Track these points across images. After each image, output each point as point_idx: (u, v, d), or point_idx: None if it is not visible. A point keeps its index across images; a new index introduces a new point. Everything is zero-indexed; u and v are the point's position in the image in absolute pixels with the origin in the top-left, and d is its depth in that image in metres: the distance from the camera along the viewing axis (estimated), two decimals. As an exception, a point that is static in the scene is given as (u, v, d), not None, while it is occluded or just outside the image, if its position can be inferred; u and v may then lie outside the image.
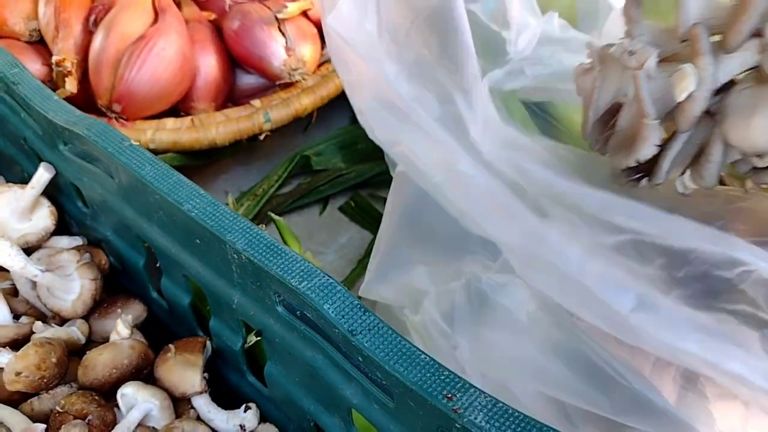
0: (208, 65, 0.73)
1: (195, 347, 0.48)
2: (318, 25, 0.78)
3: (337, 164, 0.77)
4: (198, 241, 0.44)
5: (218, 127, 0.70)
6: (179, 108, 0.73)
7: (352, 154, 0.78)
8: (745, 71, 0.37)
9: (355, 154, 0.78)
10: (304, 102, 0.72)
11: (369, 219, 0.72)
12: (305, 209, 0.75)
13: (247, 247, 0.40)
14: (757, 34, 0.36)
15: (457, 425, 0.32)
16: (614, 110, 0.43)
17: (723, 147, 0.38)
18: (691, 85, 0.37)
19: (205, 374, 0.47)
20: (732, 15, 0.36)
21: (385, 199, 0.73)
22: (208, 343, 0.49)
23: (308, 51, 0.75)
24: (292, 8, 0.74)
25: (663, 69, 0.39)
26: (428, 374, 0.34)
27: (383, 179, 0.76)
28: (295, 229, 0.66)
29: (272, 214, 0.65)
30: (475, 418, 0.31)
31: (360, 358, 0.36)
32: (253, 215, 0.70)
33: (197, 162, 0.73)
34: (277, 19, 0.73)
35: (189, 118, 0.70)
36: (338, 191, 0.75)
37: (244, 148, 0.77)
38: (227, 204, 0.72)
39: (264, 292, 0.41)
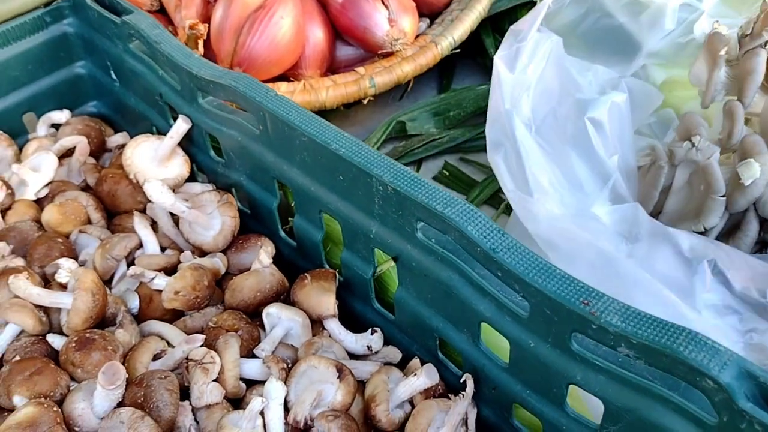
0: (316, 35, 0.79)
1: (328, 276, 0.53)
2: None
3: (429, 130, 0.82)
4: (341, 177, 0.49)
5: (328, 91, 0.75)
6: (288, 74, 0.79)
7: (443, 121, 0.82)
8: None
9: (447, 120, 0.83)
10: (405, 69, 0.78)
11: (461, 185, 0.77)
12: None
13: (393, 179, 0.45)
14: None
15: (593, 326, 0.37)
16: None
17: (758, 224, 0.53)
18: (757, 173, 0.52)
19: (336, 301, 0.53)
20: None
21: (474, 163, 0.78)
22: (337, 274, 0.55)
23: (408, 23, 0.80)
24: (395, -18, 0.79)
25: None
26: (565, 285, 0.38)
27: (472, 145, 0.81)
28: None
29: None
30: (611, 319, 0.36)
31: (500, 273, 0.41)
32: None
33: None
34: (380, -8, 0.79)
35: (301, 82, 0.76)
36: (431, 154, 0.81)
37: (342, 114, 0.83)
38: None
39: (405, 220, 0.46)
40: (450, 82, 0.90)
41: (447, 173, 0.79)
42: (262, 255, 0.55)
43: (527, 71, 0.61)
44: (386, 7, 0.79)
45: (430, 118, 0.83)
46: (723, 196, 0.54)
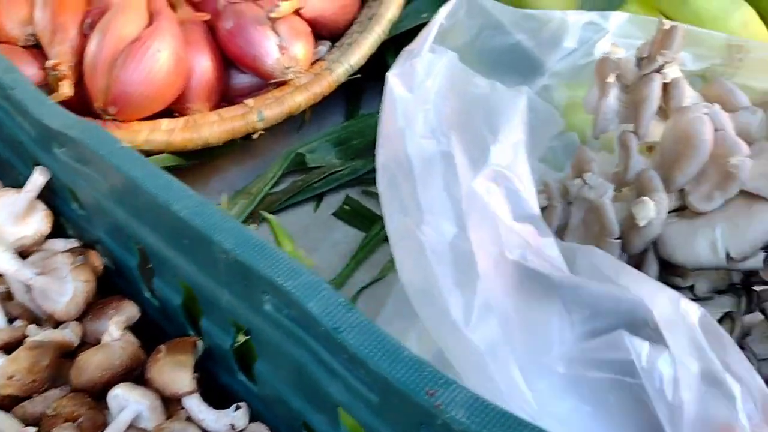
0: (202, 66, 0.74)
1: (186, 347, 0.48)
2: (311, 23, 0.78)
3: (331, 161, 0.77)
4: (186, 241, 0.44)
5: (212, 126, 0.70)
6: (174, 109, 0.74)
7: (346, 151, 0.78)
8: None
9: (350, 150, 0.78)
10: (297, 100, 0.73)
11: (364, 221, 0.72)
12: (299, 207, 0.75)
13: (235, 246, 0.40)
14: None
15: (438, 421, 0.32)
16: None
17: (657, 266, 0.50)
18: (652, 213, 0.47)
19: (196, 374, 0.48)
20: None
21: (377, 195, 0.73)
22: (199, 342, 0.49)
23: (301, 49, 0.75)
24: (285, 7, 0.74)
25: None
26: (411, 370, 0.34)
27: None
28: (289, 228, 0.66)
29: (265, 213, 0.65)
30: (456, 414, 0.31)
31: (345, 356, 0.36)
32: (247, 214, 0.70)
33: (192, 162, 0.74)
34: (269, 18, 0.74)
35: (183, 118, 0.71)
36: (332, 188, 0.76)
37: (239, 148, 0.77)
38: (220, 204, 0.72)
39: (251, 291, 0.41)
40: (357, 108, 0.85)
41: (348, 208, 0.74)
42: (111, 327, 0.49)
43: (424, 87, 0.55)
44: (276, 33, 0.74)
45: (331, 149, 0.78)
46: (618, 239, 0.50)
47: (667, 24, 0.55)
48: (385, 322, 0.57)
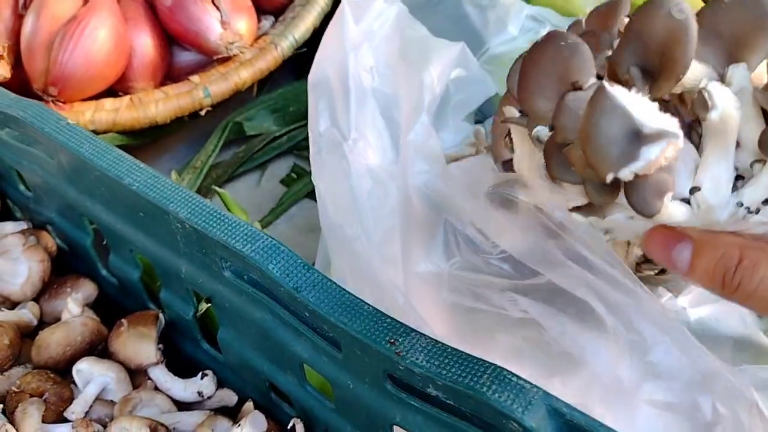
0: (143, 43, 0.73)
1: (148, 320, 0.49)
2: (253, -2, 0.78)
3: (269, 128, 0.77)
4: (142, 214, 0.45)
5: (158, 104, 0.69)
6: (117, 89, 0.73)
7: (284, 117, 0.78)
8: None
9: (287, 117, 0.78)
10: (242, 75, 0.73)
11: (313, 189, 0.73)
12: (246, 176, 0.75)
13: (190, 215, 0.41)
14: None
15: (400, 367, 0.34)
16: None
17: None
18: None
19: (160, 345, 0.48)
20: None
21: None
22: (161, 315, 0.50)
23: (244, 24, 0.74)
24: (225, -19, 0.74)
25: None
26: (371, 323, 0.35)
27: None
28: (240, 200, 0.66)
29: (216, 188, 0.65)
30: (417, 359, 0.33)
31: (306, 314, 0.37)
32: (195, 188, 0.70)
33: (139, 141, 0.73)
34: (210, -7, 0.73)
35: (128, 97, 0.70)
36: (273, 156, 0.76)
37: (187, 126, 0.77)
38: (172, 180, 0.72)
39: (210, 259, 0.42)
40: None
41: (295, 176, 0.75)
42: (70, 304, 0.49)
43: (371, 25, 0.55)
44: (217, 8, 0.73)
45: (268, 116, 0.78)
46: None
47: None
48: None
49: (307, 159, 0.75)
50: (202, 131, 0.78)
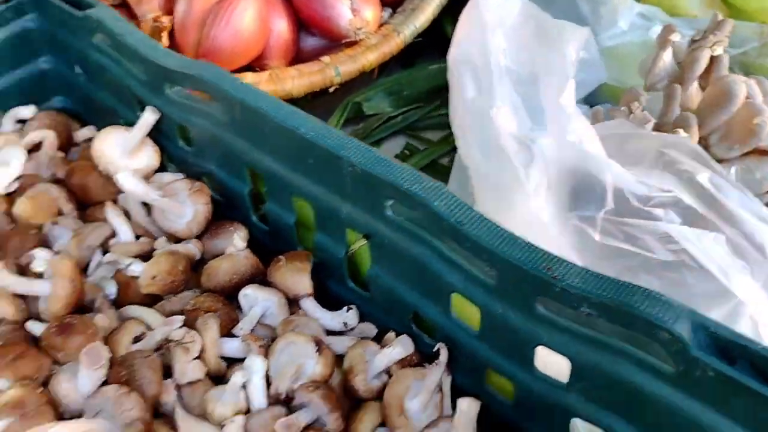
0: (280, 26, 0.80)
1: (302, 257, 0.55)
2: (378, -11, 0.85)
3: (385, 108, 0.85)
4: (311, 161, 0.51)
5: (293, 80, 0.76)
6: (254, 65, 0.80)
7: (398, 101, 0.86)
8: None
9: (401, 100, 0.86)
10: (369, 58, 0.79)
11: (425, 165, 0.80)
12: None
13: (362, 160, 0.47)
14: None
15: (556, 289, 0.39)
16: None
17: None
18: None
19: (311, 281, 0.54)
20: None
21: (428, 141, 0.81)
22: (310, 256, 0.56)
23: (371, 12, 0.81)
24: (356, -27, 0.81)
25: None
26: (528, 252, 0.41)
27: (426, 124, 0.85)
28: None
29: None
30: (572, 282, 0.38)
31: (468, 245, 0.43)
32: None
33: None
34: (342, -17, 0.80)
35: (266, 72, 0.77)
36: (388, 134, 0.84)
37: (310, 104, 0.84)
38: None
39: (375, 200, 0.48)
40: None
41: (408, 153, 0.81)
42: (236, 239, 0.56)
43: (501, 14, 0.60)
44: (348, -3, 0.80)
45: (384, 98, 0.85)
46: None
47: (719, 16, 0.62)
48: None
49: (420, 138, 0.83)
50: (325, 109, 0.85)
